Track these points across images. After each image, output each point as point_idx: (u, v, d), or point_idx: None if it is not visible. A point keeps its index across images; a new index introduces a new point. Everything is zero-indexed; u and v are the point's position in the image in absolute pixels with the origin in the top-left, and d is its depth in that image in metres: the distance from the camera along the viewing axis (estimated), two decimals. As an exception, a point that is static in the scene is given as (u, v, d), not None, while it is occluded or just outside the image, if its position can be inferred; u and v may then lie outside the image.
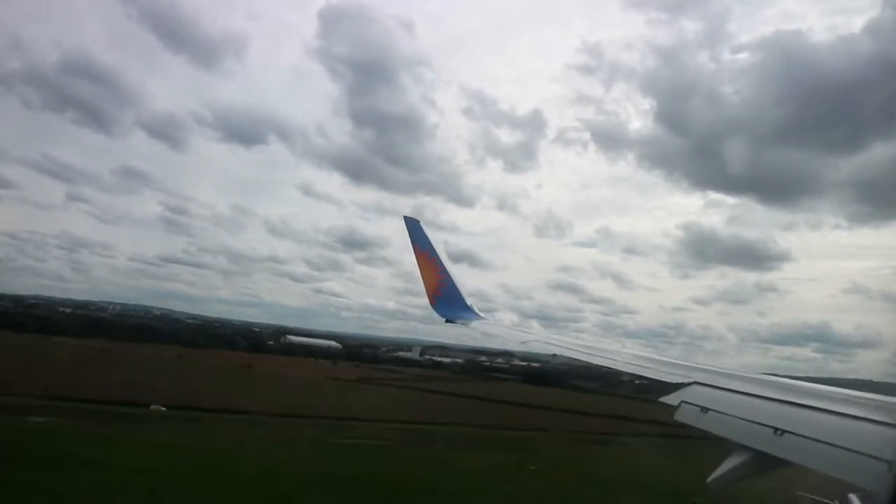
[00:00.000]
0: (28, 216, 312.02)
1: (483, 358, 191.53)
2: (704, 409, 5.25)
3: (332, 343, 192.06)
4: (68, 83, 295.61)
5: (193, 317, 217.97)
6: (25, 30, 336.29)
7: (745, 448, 4.54)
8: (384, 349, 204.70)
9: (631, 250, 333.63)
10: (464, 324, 10.69)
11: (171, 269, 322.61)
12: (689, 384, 5.93)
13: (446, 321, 11.00)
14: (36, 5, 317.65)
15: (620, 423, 71.72)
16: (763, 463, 4.42)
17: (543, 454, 52.23)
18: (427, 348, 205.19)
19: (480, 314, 11.15)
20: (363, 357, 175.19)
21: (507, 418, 77.79)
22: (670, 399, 5.75)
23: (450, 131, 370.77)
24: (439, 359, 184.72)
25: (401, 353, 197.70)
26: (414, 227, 11.94)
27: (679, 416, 5.40)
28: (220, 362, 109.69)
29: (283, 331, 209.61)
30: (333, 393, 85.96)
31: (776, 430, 4.42)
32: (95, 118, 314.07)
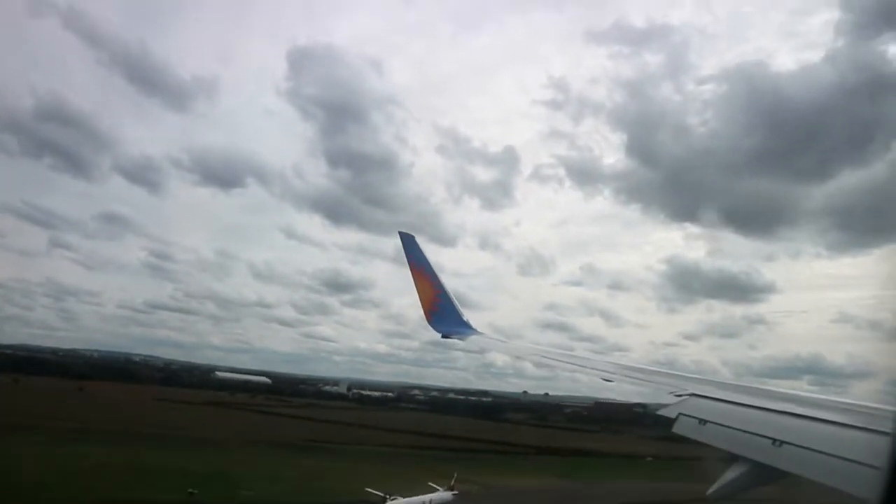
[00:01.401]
0: (12, 264, 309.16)
1: (419, 393, 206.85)
2: (703, 422, 5.22)
3: (262, 378, 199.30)
4: (44, 129, 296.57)
5: (181, 363, 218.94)
6: None
7: (744, 459, 4.54)
8: (322, 385, 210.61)
9: (616, 286, 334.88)
10: (460, 338, 10.64)
11: (160, 316, 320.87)
12: (687, 396, 5.93)
13: (442, 336, 10.96)
14: (7, 51, 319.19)
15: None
16: (762, 474, 4.43)
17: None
18: (353, 384, 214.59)
19: (476, 329, 11.13)
20: (284, 391, 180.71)
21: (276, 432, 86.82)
22: (668, 411, 5.74)
23: (425, 170, 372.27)
24: (367, 393, 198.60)
25: (326, 388, 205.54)
26: (409, 243, 11.90)
27: (678, 429, 5.37)
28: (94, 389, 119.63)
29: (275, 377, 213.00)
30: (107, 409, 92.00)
31: (775, 440, 4.41)
32: (73, 164, 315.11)
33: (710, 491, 4.53)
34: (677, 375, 6.93)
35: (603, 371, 7.67)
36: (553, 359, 8.99)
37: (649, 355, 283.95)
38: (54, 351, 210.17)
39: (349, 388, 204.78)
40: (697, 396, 5.87)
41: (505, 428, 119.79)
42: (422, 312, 11.43)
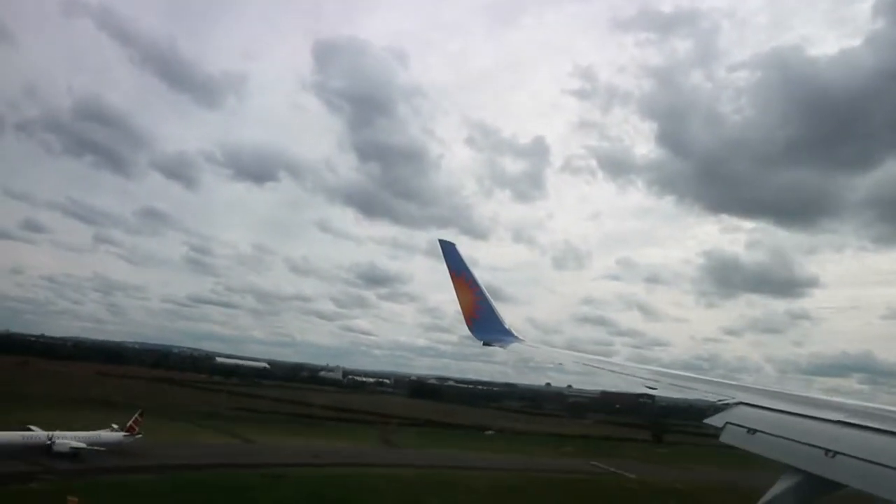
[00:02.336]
0: (62, 259, 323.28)
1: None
2: (752, 431, 5.13)
3: (261, 364, 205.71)
4: (83, 128, 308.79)
5: (224, 354, 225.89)
6: (38, 78, 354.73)
7: (794, 471, 4.43)
8: (321, 371, 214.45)
9: (654, 280, 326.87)
10: (501, 346, 10.59)
11: (203, 310, 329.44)
12: (734, 404, 5.81)
13: (483, 344, 10.92)
14: (43, 52, 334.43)
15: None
16: (814, 486, 4.30)
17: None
18: (348, 371, 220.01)
19: (518, 336, 11.05)
20: (276, 376, 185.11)
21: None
22: (715, 420, 5.63)
23: (454, 162, 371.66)
24: (361, 379, 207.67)
25: (322, 374, 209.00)
26: (449, 251, 11.89)
27: (725, 439, 5.27)
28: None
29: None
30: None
31: (827, 451, 4.28)
32: (112, 161, 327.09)
33: (761, 502, 4.41)
34: (720, 383, 6.78)
35: (645, 378, 7.55)
36: (595, 366, 8.92)
37: (690, 351, 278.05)
38: (101, 342, 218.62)
39: (344, 375, 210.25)
40: (745, 405, 5.74)
41: (443, 409, 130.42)
42: (462, 318, 11.45)
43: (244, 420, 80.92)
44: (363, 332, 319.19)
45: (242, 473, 41.40)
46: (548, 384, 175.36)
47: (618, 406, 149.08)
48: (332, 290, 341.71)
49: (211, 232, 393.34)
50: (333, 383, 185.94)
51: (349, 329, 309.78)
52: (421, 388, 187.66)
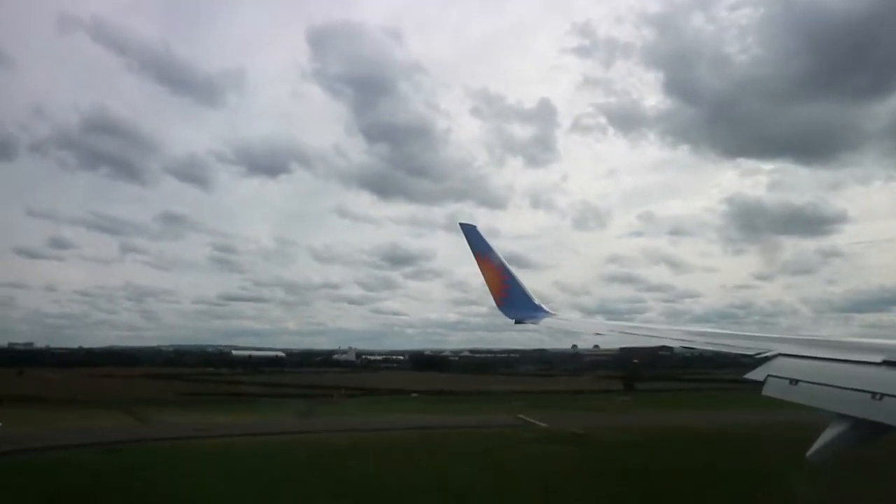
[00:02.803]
0: (92, 272, 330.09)
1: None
2: (794, 381, 5.05)
3: (277, 353, 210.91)
4: (94, 141, 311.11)
5: (260, 348, 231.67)
6: (43, 97, 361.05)
7: (842, 417, 4.37)
8: (334, 355, 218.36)
9: (677, 232, 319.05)
10: (534, 322, 10.60)
11: (235, 307, 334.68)
12: (773, 356, 5.74)
13: (515, 322, 10.94)
14: (44, 72, 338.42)
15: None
16: (864, 430, 4.24)
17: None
18: (361, 352, 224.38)
19: (549, 311, 11.04)
20: (289, 363, 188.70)
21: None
22: (755, 374, 5.57)
23: (462, 134, 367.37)
24: (374, 358, 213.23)
25: (335, 357, 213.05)
26: (471, 233, 11.89)
27: (767, 391, 5.22)
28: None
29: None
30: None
31: (874, 394, 4.20)
32: (126, 170, 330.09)
33: (810, 452, 4.36)
34: (758, 337, 6.70)
35: (681, 339, 7.50)
36: (629, 332, 8.90)
37: (723, 300, 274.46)
38: (137, 348, 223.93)
39: (357, 355, 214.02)
40: (784, 356, 5.67)
41: (429, 378, 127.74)
42: (492, 299, 11.48)
43: (178, 403, 79.94)
44: (394, 313, 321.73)
45: (82, 451, 39.13)
46: (574, 346, 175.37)
47: (635, 361, 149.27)
48: (358, 275, 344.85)
49: (232, 230, 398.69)
50: (346, 364, 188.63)
51: (380, 311, 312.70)
52: (424, 361, 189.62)
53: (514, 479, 30.08)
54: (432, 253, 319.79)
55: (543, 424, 52.74)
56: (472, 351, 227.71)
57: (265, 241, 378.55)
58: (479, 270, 11.69)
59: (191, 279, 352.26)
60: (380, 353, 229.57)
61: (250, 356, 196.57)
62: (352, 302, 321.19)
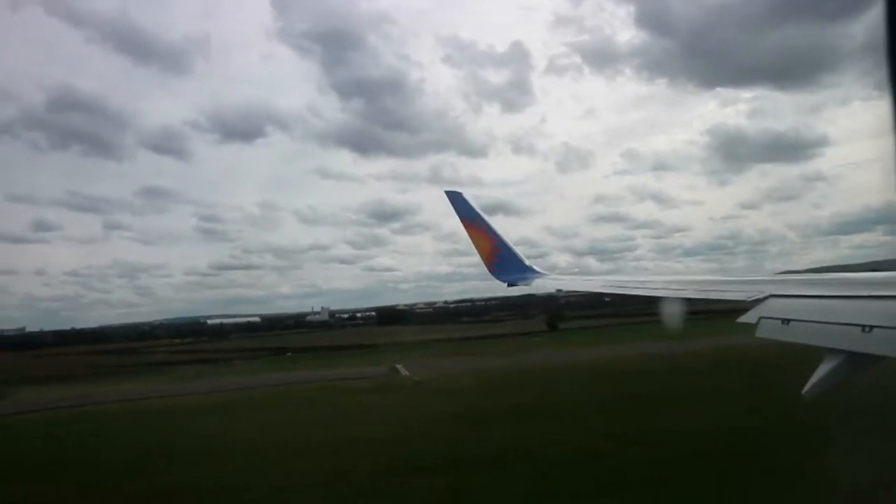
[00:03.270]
0: (78, 252, 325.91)
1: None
2: (786, 321, 5.15)
3: (253, 318, 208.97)
4: (63, 119, 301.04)
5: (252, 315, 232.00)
6: (5, 78, 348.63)
7: (834, 352, 4.49)
8: (307, 316, 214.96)
9: (661, 167, 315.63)
10: (525, 284, 10.72)
11: (228, 276, 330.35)
12: (764, 298, 5.84)
13: (508, 285, 11.06)
14: (2, 52, 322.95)
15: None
16: (856, 363, 4.35)
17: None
18: (335, 311, 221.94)
19: (540, 271, 11.15)
20: (261, 328, 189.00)
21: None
22: (748, 317, 5.68)
23: (436, 84, 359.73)
24: (345, 316, 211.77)
25: (309, 318, 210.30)
26: (457, 200, 11.87)
27: (761, 333, 5.33)
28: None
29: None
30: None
31: (864, 327, 4.29)
32: (100, 147, 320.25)
33: (806, 389, 4.48)
34: (749, 280, 6.80)
35: (673, 290, 7.60)
36: (619, 286, 9.02)
37: (711, 232, 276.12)
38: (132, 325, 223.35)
39: (331, 314, 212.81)
40: (776, 297, 5.77)
41: (385, 332, 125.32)
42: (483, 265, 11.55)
43: (82, 377, 76.27)
44: (386, 270, 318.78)
45: None
46: (558, 290, 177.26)
47: (607, 299, 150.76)
48: (347, 234, 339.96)
49: (215, 199, 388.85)
50: (318, 325, 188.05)
51: (372, 269, 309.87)
52: (389, 315, 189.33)
53: (284, 431, 29.26)
54: (418, 207, 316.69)
55: (406, 373, 52.13)
56: (459, 301, 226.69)
57: (249, 207, 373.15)
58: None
59: (180, 252, 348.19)
60: (358, 311, 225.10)
61: (221, 324, 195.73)
62: (343, 262, 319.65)
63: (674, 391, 31.29)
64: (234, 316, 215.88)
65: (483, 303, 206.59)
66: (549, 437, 23.30)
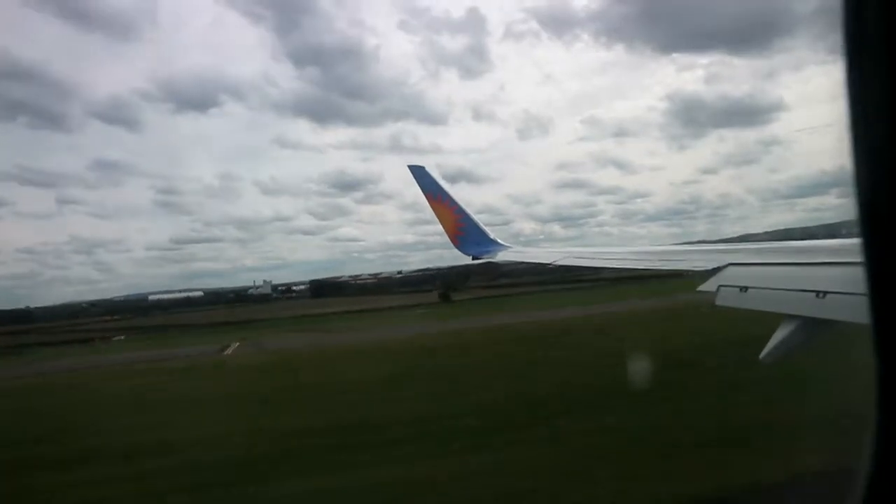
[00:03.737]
0: (32, 228, 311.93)
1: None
2: (744, 289, 5.29)
3: (191, 294, 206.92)
4: (5, 89, 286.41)
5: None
6: None
7: (790, 318, 4.63)
8: (249, 290, 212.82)
9: (621, 133, 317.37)
10: (490, 257, 10.78)
11: (190, 250, 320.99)
12: (724, 267, 5.98)
13: (473, 258, 11.11)
14: None
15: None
16: (811, 328, 4.50)
17: None
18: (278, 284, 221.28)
19: (503, 244, 11.23)
20: (204, 302, 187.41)
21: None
22: (708, 286, 5.82)
23: (392, 50, 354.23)
24: (285, 288, 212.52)
25: (251, 291, 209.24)
26: (421, 175, 11.79)
27: (720, 301, 5.47)
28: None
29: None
30: None
31: (818, 293, 4.43)
32: (47, 118, 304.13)
33: (764, 353, 4.62)
34: (710, 250, 6.96)
35: (634, 260, 7.74)
36: (582, 257, 9.13)
37: (673, 197, 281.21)
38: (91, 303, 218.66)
39: (274, 288, 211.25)
40: (735, 265, 5.92)
41: (303, 304, 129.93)
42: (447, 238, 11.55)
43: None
44: (351, 240, 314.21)
45: None
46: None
47: (550, 265, 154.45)
48: (309, 205, 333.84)
49: (171, 171, 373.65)
50: (261, 299, 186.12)
51: (336, 239, 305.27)
52: (321, 287, 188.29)
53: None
54: (379, 176, 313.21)
55: (229, 352, 51.96)
56: (418, 271, 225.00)
57: (208, 178, 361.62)
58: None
59: (137, 225, 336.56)
60: (303, 283, 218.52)
61: (159, 300, 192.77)
62: (306, 233, 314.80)
63: (489, 363, 28.96)
64: (189, 290, 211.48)
65: (435, 272, 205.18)
66: (223, 427, 19.80)
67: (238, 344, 57.55)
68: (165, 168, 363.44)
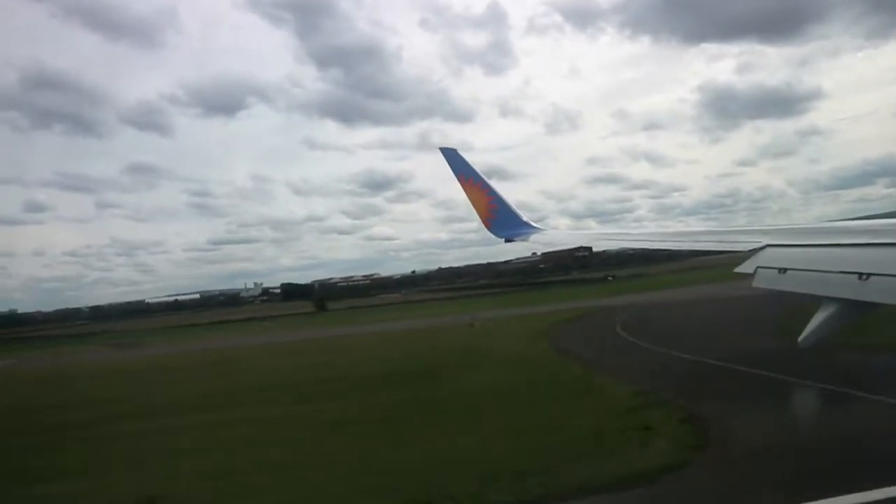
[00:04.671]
0: (74, 232, 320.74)
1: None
2: (782, 271, 5.17)
3: (193, 296, 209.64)
4: (40, 98, 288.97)
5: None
6: None
7: (831, 300, 4.53)
8: (241, 293, 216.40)
9: (652, 126, 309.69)
10: (523, 239, 10.69)
11: (227, 251, 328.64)
12: (761, 248, 5.87)
13: (505, 241, 11.04)
14: None
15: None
16: (852, 311, 4.40)
17: None
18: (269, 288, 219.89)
19: (536, 226, 11.12)
20: (196, 305, 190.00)
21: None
22: (745, 268, 5.72)
23: (414, 49, 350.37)
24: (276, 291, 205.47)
25: (242, 294, 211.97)
26: (452, 157, 11.71)
27: (757, 283, 5.37)
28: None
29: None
30: None
31: (861, 275, 4.29)
32: (81, 125, 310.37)
33: (802, 337, 4.54)
34: (744, 230, 6.84)
35: (670, 241, 7.64)
36: (614, 240, 9.06)
37: (709, 190, 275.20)
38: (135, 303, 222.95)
39: (264, 290, 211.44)
40: (772, 246, 5.80)
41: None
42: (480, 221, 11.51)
43: None
44: (386, 239, 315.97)
45: None
46: (533, 253, 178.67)
47: (542, 266, 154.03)
48: (342, 204, 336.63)
49: (203, 174, 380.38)
50: (249, 302, 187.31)
51: (371, 238, 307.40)
52: (292, 292, 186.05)
53: None
54: (410, 175, 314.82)
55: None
56: (426, 272, 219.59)
57: (240, 181, 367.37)
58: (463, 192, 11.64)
59: (175, 228, 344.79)
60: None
61: (148, 304, 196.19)
62: (341, 232, 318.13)
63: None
64: (233, 291, 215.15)
65: (424, 274, 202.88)
66: None
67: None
68: (198, 171, 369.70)
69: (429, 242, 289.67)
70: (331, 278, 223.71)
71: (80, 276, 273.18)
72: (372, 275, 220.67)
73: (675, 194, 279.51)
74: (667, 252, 7.65)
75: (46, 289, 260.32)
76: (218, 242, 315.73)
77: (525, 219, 11.14)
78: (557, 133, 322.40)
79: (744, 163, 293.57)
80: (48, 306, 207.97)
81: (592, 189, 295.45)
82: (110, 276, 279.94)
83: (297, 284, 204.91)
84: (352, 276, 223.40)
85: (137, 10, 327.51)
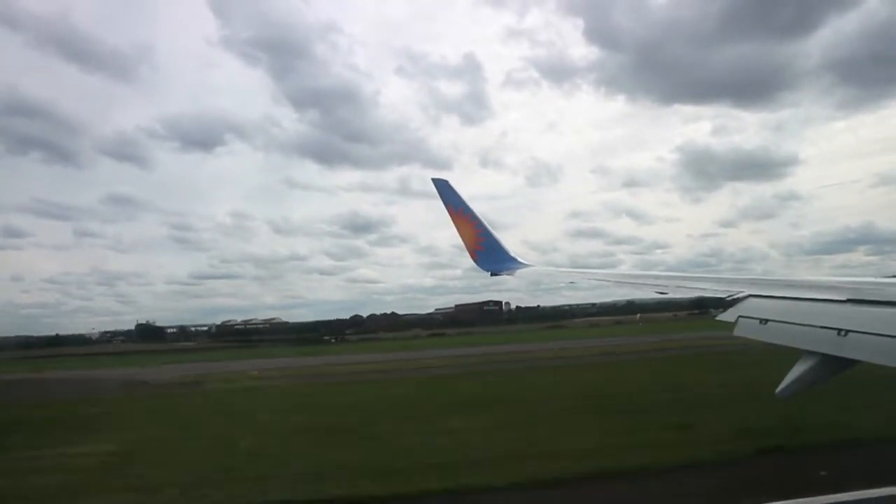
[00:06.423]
0: (53, 260, 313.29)
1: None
2: (763, 321, 5.15)
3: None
4: (15, 125, 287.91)
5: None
6: None
7: (809, 354, 4.49)
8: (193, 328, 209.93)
9: (633, 184, 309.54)
10: (509, 274, 10.65)
11: (209, 285, 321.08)
12: (743, 297, 5.86)
13: (491, 274, 11.00)
14: None
15: None
16: (830, 366, 4.37)
17: None
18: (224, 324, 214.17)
19: (524, 261, 11.11)
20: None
21: None
22: (726, 315, 5.69)
23: (392, 95, 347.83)
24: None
25: (192, 329, 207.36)
26: (444, 188, 11.73)
27: (738, 332, 5.34)
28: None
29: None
30: None
31: (840, 330, 4.28)
32: (58, 154, 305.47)
33: (780, 388, 4.50)
34: (729, 279, 6.83)
35: (654, 284, 7.63)
36: (603, 280, 9.03)
37: (692, 249, 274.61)
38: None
39: (217, 327, 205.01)
40: (754, 296, 5.80)
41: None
42: (466, 252, 11.49)
43: None
44: (369, 281, 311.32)
45: None
46: (507, 303, 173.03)
47: (441, 319, 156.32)
48: (324, 245, 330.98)
49: (183, 207, 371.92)
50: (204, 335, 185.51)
51: (354, 280, 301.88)
52: (147, 333, 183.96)
53: None
54: (392, 219, 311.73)
55: None
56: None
57: (221, 216, 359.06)
58: (452, 230, 11.54)
59: (156, 260, 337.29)
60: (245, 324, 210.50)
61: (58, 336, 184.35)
62: (323, 272, 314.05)
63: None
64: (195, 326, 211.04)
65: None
66: None
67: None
68: (177, 204, 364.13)
69: (414, 287, 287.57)
70: (230, 320, 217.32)
71: (58, 304, 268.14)
72: (270, 320, 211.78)
73: (659, 251, 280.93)
74: (660, 293, 7.58)
75: (24, 315, 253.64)
76: (200, 277, 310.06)
77: (513, 254, 11.16)
78: (538, 185, 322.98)
79: (725, 223, 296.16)
80: (24, 332, 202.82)
81: (575, 242, 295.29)
82: (90, 305, 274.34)
83: (150, 326, 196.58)
84: (251, 319, 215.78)
85: (113, 44, 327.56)
